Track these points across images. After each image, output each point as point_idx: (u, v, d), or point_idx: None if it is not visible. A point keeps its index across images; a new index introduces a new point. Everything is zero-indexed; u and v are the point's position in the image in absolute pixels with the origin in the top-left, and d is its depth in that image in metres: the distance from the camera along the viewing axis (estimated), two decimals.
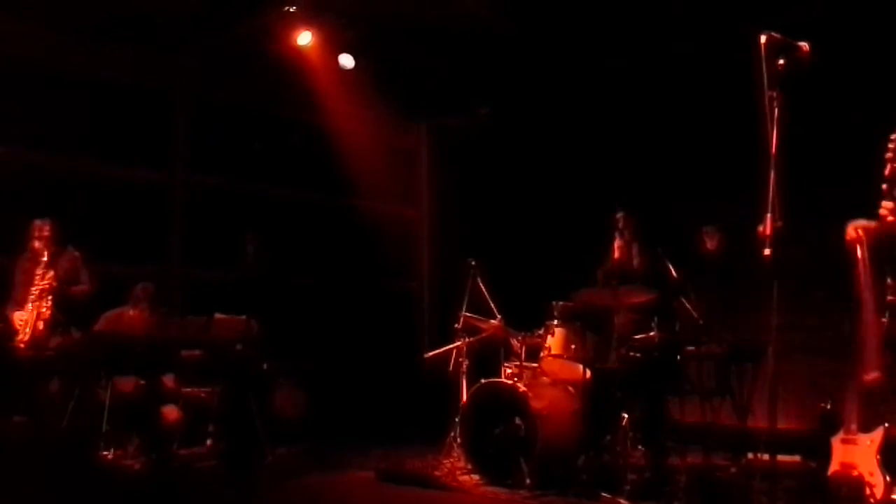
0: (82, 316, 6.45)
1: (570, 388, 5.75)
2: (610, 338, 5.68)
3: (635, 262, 5.85)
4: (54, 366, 6.06)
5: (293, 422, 7.36)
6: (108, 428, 5.76)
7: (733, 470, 5.30)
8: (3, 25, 6.93)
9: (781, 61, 3.43)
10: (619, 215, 5.98)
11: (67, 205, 6.95)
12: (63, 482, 5.25)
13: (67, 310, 6.34)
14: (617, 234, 5.95)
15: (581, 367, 5.56)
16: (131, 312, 6.62)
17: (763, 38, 3.41)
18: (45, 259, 6.26)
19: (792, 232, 3.31)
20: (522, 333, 6.03)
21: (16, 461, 5.28)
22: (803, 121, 3.69)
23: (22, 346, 6.09)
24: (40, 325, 6.18)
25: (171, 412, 6.26)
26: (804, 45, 3.53)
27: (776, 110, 3.36)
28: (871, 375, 4.06)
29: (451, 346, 6.26)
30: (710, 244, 5.59)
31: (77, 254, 6.39)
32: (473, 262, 6.38)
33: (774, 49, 3.42)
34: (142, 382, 6.06)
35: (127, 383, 6.08)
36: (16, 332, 6.14)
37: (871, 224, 4.06)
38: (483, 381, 5.76)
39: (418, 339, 6.79)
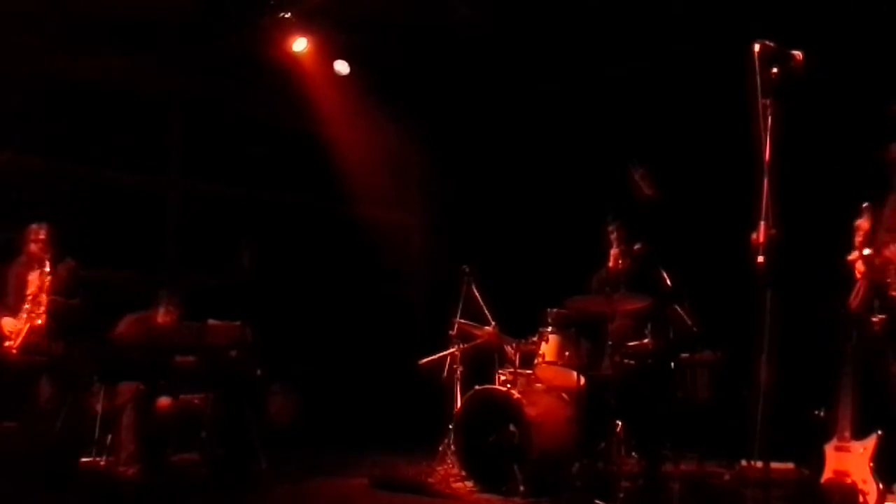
0: (72, 327, 6.40)
1: (565, 395, 5.75)
2: (604, 344, 5.68)
3: (621, 265, 5.87)
4: (47, 371, 6.02)
5: (287, 428, 7.34)
6: (101, 434, 5.73)
7: (727, 477, 5.30)
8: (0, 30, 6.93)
9: (775, 70, 3.45)
10: (612, 226, 6.01)
11: (62, 209, 6.92)
12: (55, 488, 5.24)
13: (59, 318, 6.30)
14: (612, 243, 5.98)
15: (575, 373, 5.55)
16: (161, 317, 6.40)
17: (757, 47, 3.43)
18: (39, 265, 6.23)
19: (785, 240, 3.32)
20: (517, 340, 6.03)
21: (8, 467, 5.26)
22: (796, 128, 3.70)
23: (14, 351, 6.06)
24: (33, 331, 6.15)
25: (163, 402, 6.17)
26: (798, 53, 3.55)
27: (769, 118, 3.38)
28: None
29: (445, 352, 6.25)
30: (647, 189, 5.57)
31: (73, 265, 6.35)
32: (468, 269, 6.36)
33: (768, 57, 3.44)
34: (135, 388, 6.01)
35: (121, 389, 6.05)
36: (7, 337, 6.10)
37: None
38: (477, 387, 5.76)
39: (412, 346, 6.77)
